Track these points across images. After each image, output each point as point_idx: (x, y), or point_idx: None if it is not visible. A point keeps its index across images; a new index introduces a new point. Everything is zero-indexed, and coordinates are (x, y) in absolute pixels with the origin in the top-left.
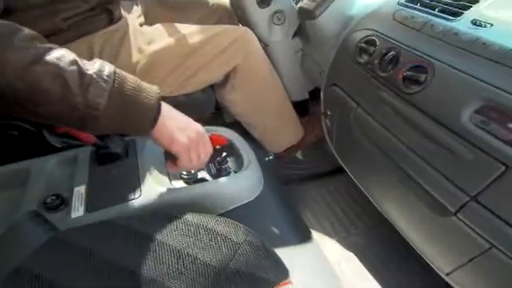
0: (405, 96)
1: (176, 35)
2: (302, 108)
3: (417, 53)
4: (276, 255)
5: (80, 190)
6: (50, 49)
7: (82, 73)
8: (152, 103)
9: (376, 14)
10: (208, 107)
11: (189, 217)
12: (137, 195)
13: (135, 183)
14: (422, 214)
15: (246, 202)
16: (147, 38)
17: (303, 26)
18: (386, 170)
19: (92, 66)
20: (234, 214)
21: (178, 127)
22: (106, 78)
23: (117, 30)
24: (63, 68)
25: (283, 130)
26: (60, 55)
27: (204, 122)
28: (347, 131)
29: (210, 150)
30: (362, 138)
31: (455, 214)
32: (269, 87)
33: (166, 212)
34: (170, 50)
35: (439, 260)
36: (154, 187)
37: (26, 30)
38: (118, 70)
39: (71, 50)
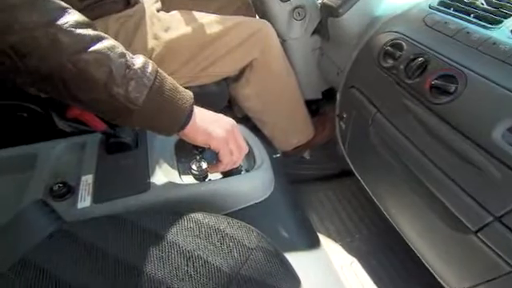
0: (431, 106)
1: (194, 24)
2: (313, 107)
3: (448, 61)
4: (289, 263)
5: (87, 179)
6: (102, 38)
7: (128, 66)
8: (186, 106)
9: (405, 17)
10: (221, 100)
11: (200, 216)
12: (146, 189)
13: (144, 176)
14: (437, 229)
15: (256, 202)
16: (164, 24)
17: (324, 23)
18: (402, 180)
19: (137, 61)
20: (243, 214)
21: (212, 123)
22: (148, 74)
23: (133, 15)
24: (112, 59)
25: (294, 129)
26: (111, 46)
27: None
28: (363, 136)
29: (244, 142)
30: (379, 145)
31: (476, 232)
32: (284, 84)
33: (175, 209)
34: (187, 38)
35: (450, 277)
36: (163, 181)
37: (78, 15)
38: (159, 70)
39: None
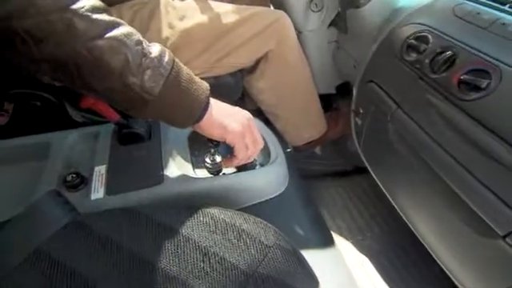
0: (458, 102)
1: (209, 13)
2: (326, 102)
3: (480, 54)
4: (306, 262)
5: (100, 170)
6: (119, 24)
7: (144, 54)
8: (202, 98)
9: (431, 8)
10: (235, 92)
11: (215, 212)
12: (159, 182)
13: (158, 168)
14: (459, 231)
15: (270, 197)
16: (179, 13)
17: (342, 14)
18: (421, 179)
19: (154, 50)
20: (257, 210)
21: (228, 116)
22: (165, 64)
23: (147, 2)
24: (129, 46)
25: (307, 124)
26: (128, 33)
27: None
28: (380, 132)
29: (260, 137)
30: (398, 142)
31: (504, 237)
32: (298, 77)
33: (189, 203)
34: (202, 28)
35: (469, 280)
36: (177, 174)
37: (94, 0)
38: (176, 59)
39: None
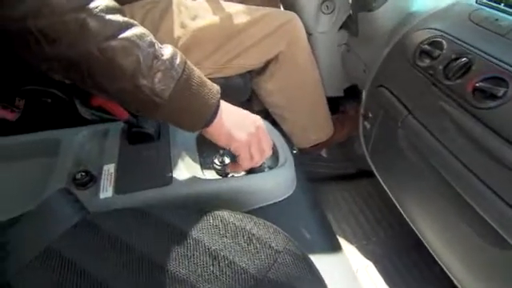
0: (473, 110)
1: (221, 13)
2: (333, 105)
3: (497, 61)
4: (316, 268)
5: (109, 169)
6: (132, 25)
7: (156, 56)
8: (213, 102)
9: (446, 13)
10: (243, 94)
11: (225, 215)
12: (168, 182)
13: (166, 169)
14: (469, 240)
15: (278, 200)
16: (191, 12)
17: (353, 17)
18: (431, 186)
19: (166, 52)
20: (264, 212)
21: (237, 123)
22: (176, 66)
23: (159, 1)
24: (142, 48)
25: (314, 126)
26: (141, 34)
27: None
28: (390, 138)
29: (270, 142)
30: (408, 148)
31: None
32: (308, 80)
33: (197, 204)
34: (214, 28)
35: (475, 287)
36: (185, 175)
37: (108, 0)
38: (188, 61)
39: None
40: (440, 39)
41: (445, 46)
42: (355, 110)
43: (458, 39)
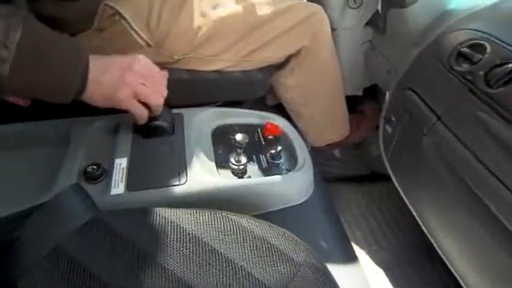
0: None
1: (244, 3)
2: (350, 104)
3: None
4: (334, 280)
5: (121, 163)
6: None
7: None
8: (77, 64)
9: (491, 12)
10: (261, 89)
11: (244, 222)
12: (182, 181)
13: (181, 166)
14: (496, 257)
15: (294, 204)
16: (213, 1)
17: (382, 13)
18: (457, 200)
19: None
20: (279, 216)
21: (111, 80)
22: (9, 44)
23: None
24: None
25: (331, 125)
26: None
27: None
28: (413, 144)
29: (161, 80)
30: (433, 157)
31: None
32: (328, 77)
33: (213, 206)
34: (236, 18)
35: None
36: (200, 174)
37: None
38: (28, 29)
39: (131, 5)
40: (482, 41)
41: (488, 50)
42: (373, 110)
43: (505, 42)
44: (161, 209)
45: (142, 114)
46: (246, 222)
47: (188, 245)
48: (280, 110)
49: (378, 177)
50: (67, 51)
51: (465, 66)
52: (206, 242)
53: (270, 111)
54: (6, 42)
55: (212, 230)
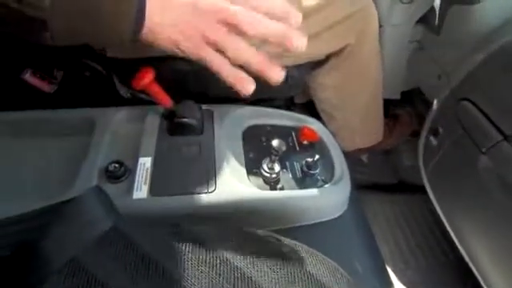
0: None
1: None
2: (384, 107)
3: None
4: None
5: (145, 163)
6: None
7: None
8: None
9: None
10: (296, 87)
11: (280, 245)
12: (210, 189)
13: (210, 171)
14: None
15: (327, 219)
16: None
17: (441, 10)
18: None
19: None
20: (309, 231)
21: (175, 18)
22: None
23: None
24: None
25: (364, 129)
26: None
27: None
28: (465, 162)
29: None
30: (491, 180)
31: None
32: (369, 79)
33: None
34: None
35: None
36: (230, 181)
37: None
38: None
39: None
40: None
41: None
42: (409, 116)
43: None
44: (186, 226)
45: (219, 61)
46: (282, 245)
47: (218, 269)
48: (308, 108)
49: (406, 187)
50: None
51: None
52: (238, 267)
53: (298, 110)
54: None
55: (244, 254)
